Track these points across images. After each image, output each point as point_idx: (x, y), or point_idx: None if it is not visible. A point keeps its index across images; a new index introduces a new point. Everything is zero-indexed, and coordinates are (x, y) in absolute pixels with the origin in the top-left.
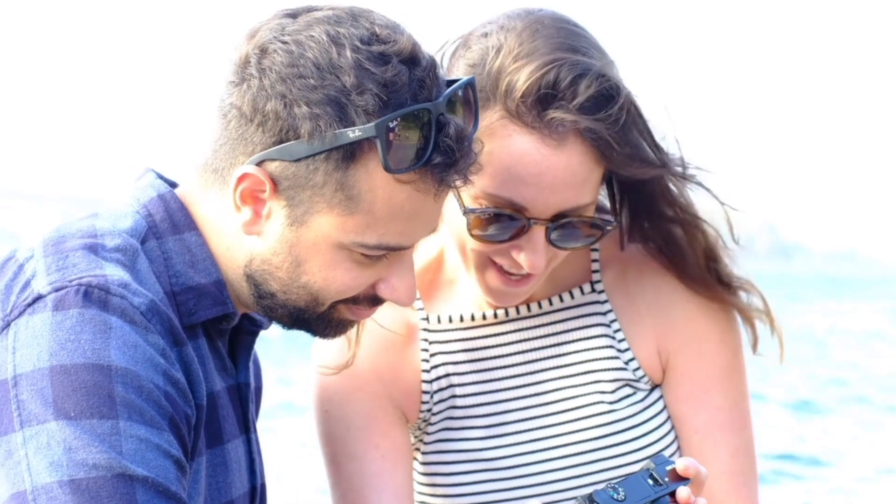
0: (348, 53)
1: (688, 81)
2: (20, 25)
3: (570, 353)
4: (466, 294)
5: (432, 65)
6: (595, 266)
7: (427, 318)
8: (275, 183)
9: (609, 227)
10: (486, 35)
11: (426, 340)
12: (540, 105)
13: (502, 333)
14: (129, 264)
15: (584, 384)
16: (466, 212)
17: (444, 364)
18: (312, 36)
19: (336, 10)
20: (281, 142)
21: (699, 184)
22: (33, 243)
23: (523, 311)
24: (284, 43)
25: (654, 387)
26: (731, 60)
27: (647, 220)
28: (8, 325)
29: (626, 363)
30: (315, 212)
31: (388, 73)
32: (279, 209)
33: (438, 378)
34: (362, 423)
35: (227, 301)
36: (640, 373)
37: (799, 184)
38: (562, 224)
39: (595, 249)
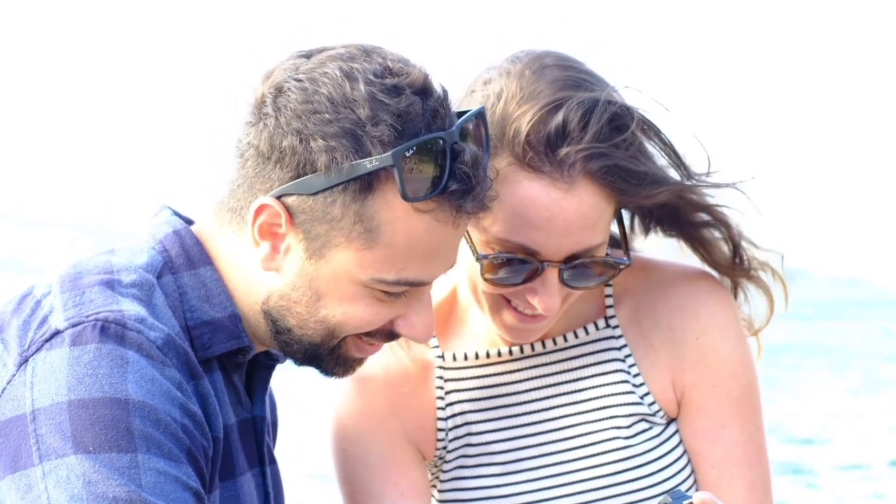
0: (362, 87)
1: (689, 111)
2: (27, 51)
3: (585, 389)
4: (481, 331)
5: (444, 96)
6: (609, 301)
7: (442, 356)
8: (291, 216)
9: (622, 266)
10: (488, 82)
11: (441, 378)
12: (549, 147)
13: (517, 370)
14: (145, 299)
15: (600, 419)
16: (479, 258)
17: (459, 402)
18: (326, 73)
19: (348, 47)
20: (298, 176)
21: (719, 185)
22: (50, 279)
23: (538, 347)
24: (299, 81)
25: (670, 421)
26: (735, 90)
27: (678, 231)
28: (26, 360)
29: (642, 398)
30: (333, 245)
31: (401, 104)
32: (297, 243)
33: (454, 415)
34: (380, 462)
35: (242, 334)
36: (655, 407)
37: (802, 211)
38: (574, 265)
39: (609, 285)
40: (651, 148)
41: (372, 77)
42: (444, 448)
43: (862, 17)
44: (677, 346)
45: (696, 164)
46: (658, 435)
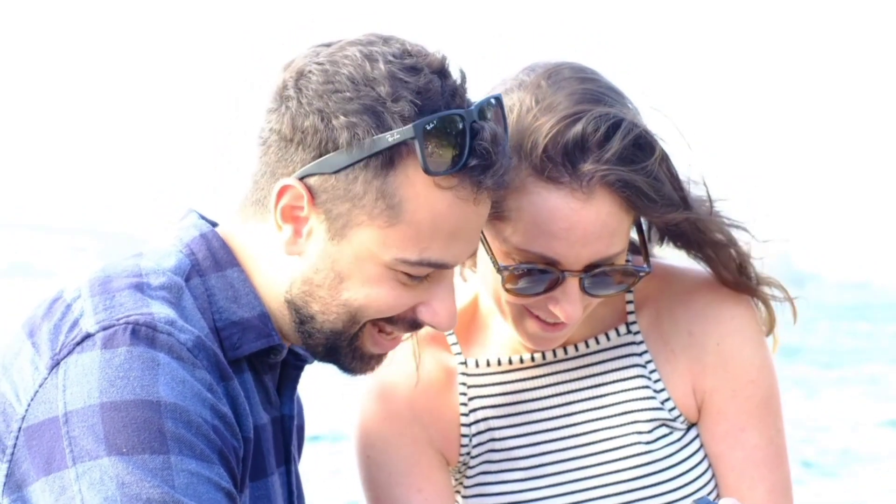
0: (382, 66)
1: (702, 112)
2: (29, 55)
3: (607, 395)
4: (502, 338)
5: (463, 77)
6: (630, 308)
7: (465, 363)
8: (313, 196)
9: (642, 274)
10: (505, 93)
11: (464, 384)
12: (567, 159)
13: (539, 377)
14: (174, 302)
15: (622, 425)
16: (500, 269)
17: (482, 408)
18: (346, 55)
19: (368, 34)
20: (320, 156)
21: (726, 221)
22: (80, 283)
23: (560, 353)
24: (319, 64)
25: (691, 426)
26: (744, 91)
27: (684, 249)
28: (57, 363)
29: (663, 403)
30: (356, 224)
31: (420, 81)
32: (319, 224)
33: (477, 421)
34: (404, 468)
35: (272, 333)
36: (676, 412)
37: (812, 213)
38: (595, 274)
39: (630, 291)
40: (663, 176)
41: (392, 57)
42: (468, 454)
43: (874, 21)
44: (698, 351)
45: (708, 184)
46: (679, 440)
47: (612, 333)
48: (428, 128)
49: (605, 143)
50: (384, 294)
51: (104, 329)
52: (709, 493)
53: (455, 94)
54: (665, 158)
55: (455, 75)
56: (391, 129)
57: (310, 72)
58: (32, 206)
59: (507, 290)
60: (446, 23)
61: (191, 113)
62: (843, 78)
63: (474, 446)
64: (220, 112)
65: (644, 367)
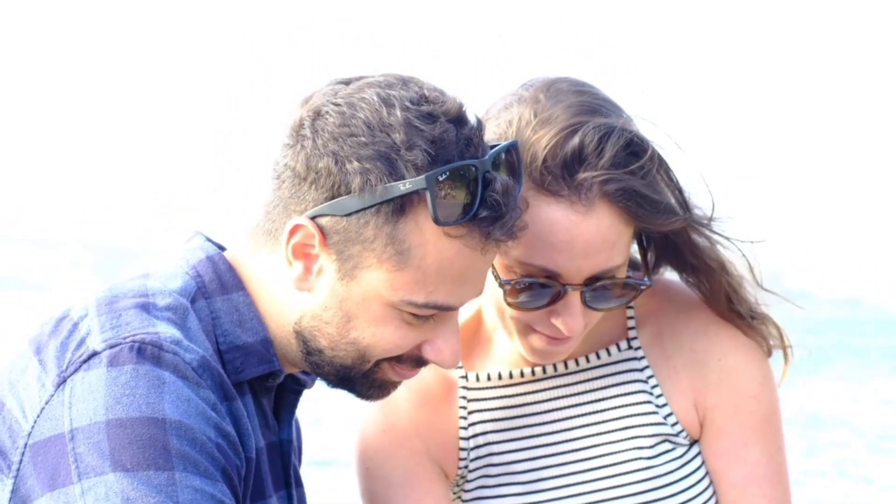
0: (398, 112)
1: (693, 125)
2: (24, 64)
3: (608, 410)
4: (504, 352)
5: (479, 126)
6: (631, 323)
7: (465, 376)
8: (325, 236)
9: (643, 287)
10: (504, 109)
11: (464, 398)
12: (566, 171)
13: (540, 391)
14: (179, 322)
15: (623, 440)
16: (502, 283)
17: (481, 422)
18: (364, 98)
19: (386, 76)
20: (333, 198)
21: (721, 235)
22: (86, 302)
23: (560, 368)
24: (337, 105)
25: (693, 442)
26: (740, 105)
27: (675, 269)
28: (64, 380)
29: (665, 418)
30: (365, 266)
31: (436, 130)
32: (329, 264)
33: (475, 435)
34: (403, 481)
35: (273, 359)
36: (678, 427)
37: (804, 230)
38: (596, 287)
39: (631, 307)
40: (661, 182)
41: (409, 104)
42: (466, 468)
43: (868, 32)
44: (700, 367)
45: (702, 203)
46: (681, 456)
47: (613, 349)
48: (440, 179)
49: (600, 152)
50: (390, 333)
51: (111, 347)
52: None
53: (470, 142)
54: (661, 162)
55: (471, 121)
56: (404, 178)
57: (327, 112)
58: (24, 218)
59: (510, 304)
60: (446, 23)
61: (189, 114)
62: (835, 90)
63: (472, 460)
64: (220, 113)
65: (646, 382)
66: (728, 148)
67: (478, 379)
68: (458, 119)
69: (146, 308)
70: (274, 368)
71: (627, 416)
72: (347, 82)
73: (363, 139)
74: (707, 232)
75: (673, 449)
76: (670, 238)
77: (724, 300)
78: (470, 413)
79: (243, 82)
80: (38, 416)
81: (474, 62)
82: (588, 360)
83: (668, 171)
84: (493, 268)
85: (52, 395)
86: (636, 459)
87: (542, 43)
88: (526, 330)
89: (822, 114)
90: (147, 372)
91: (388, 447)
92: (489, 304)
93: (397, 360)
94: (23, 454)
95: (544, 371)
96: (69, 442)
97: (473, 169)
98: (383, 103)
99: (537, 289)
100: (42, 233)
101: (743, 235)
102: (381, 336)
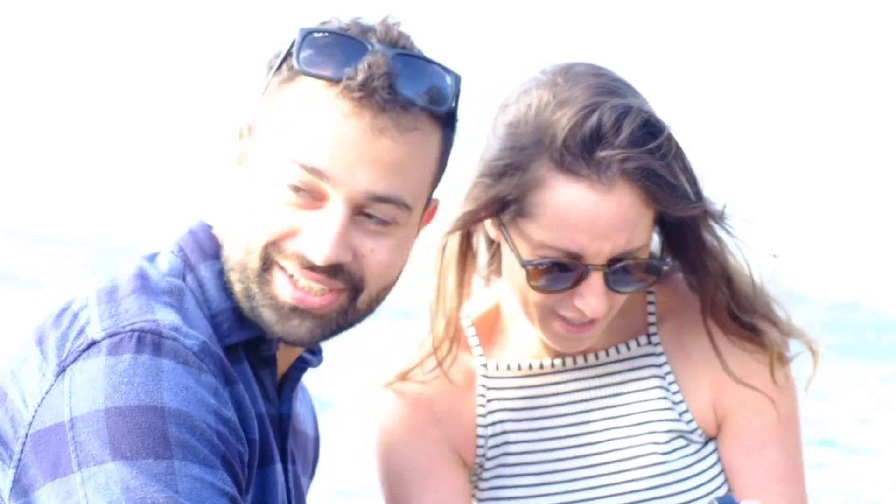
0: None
1: (690, 127)
2: (21, 64)
3: (624, 404)
4: (524, 343)
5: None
6: (651, 318)
7: (486, 365)
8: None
9: (665, 268)
10: (523, 93)
11: (484, 386)
12: (585, 150)
13: (558, 383)
14: (177, 305)
15: (638, 435)
16: (525, 264)
17: (499, 410)
18: None
19: None
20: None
21: (730, 229)
22: (87, 293)
23: (580, 361)
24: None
25: (709, 440)
26: (736, 108)
27: (678, 263)
28: (63, 370)
29: (681, 415)
30: (261, 135)
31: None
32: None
33: (493, 423)
34: (421, 467)
35: (254, 324)
36: (693, 425)
37: (802, 233)
38: (618, 268)
39: (651, 303)
40: (677, 167)
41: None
42: (484, 456)
43: (865, 32)
44: (720, 367)
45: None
46: (695, 452)
47: (633, 343)
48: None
49: (618, 130)
50: (267, 210)
51: (110, 336)
52: (728, 492)
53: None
54: (677, 147)
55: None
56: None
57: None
58: (19, 214)
59: (533, 287)
60: (446, 23)
61: (187, 120)
62: (835, 93)
63: (490, 448)
64: (219, 113)
65: (663, 378)
66: (726, 149)
67: (497, 368)
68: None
69: (144, 292)
70: (256, 333)
71: (644, 412)
72: None
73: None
74: (719, 231)
75: (687, 445)
76: (682, 229)
77: (722, 307)
78: (489, 401)
79: (243, 82)
80: (38, 406)
81: (474, 63)
82: (608, 355)
83: (683, 157)
84: (516, 250)
85: (52, 385)
86: (650, 454)
87: (544, 45)
88: (549, 316)
89: (818, 115)
90: (146, 360)
91: (407, 434)
92: (511, 292)
93: (282, 255)
94: (24, 444)
95: (563, 363)
96: (69, 430)
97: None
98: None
99: (560, 270)
100: (34, 228)
101: (761, 243)
102: (258, 214)
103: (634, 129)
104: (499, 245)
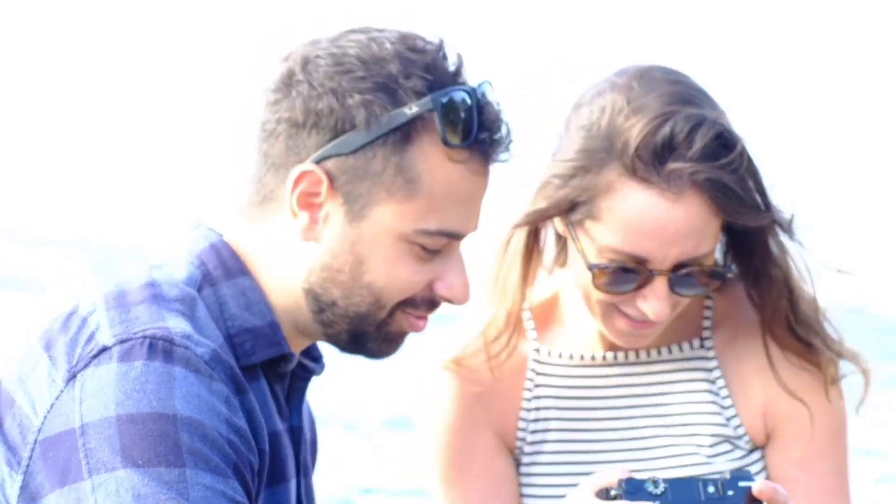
0: (388, 46)
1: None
2: (19, 66)
3: (670, 404)
4: (579, 334)
5: (461, 59)
6: (707, 323)
7: (538, 350)
8: (332, 179)
9: (729, 275)
10: (596, 95)
11: (533, 371)
12: (657, 159)
13: (607, 376)
14: (188, 313)
15: (682, 436)
16: (591, 267)
17: (545, 397)
18: (350, 39)
19: (361, 26)
20: (336, 136)
21: (798, 240)
22: (94, 297)
23: (631, 356)
24: (324, 49)
25: (754, 449)
26: (754, 114)
27: (740, 273)
28: (74, 376)
29: (728, 420)
30: (375, 203)
31: (427, 59)
32: (336, 208)
33: (537, 409)
34: (467, 450)
35: (281, 342)
36: (741, 430)
37: (804, 236)
38: (682, 274)
39: (708, 307)
40: (749, 180)
41: (394, 40)
42: (524, 440)
43: (861, 33)
44: (773, 377)
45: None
46: (740, 458)
47: (686, 345)
48: (443, 101)
49: (691, 142)
50: (403, 271)
51: (121, 342)
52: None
53: (458, 72)
54: (750, 161)
55: (454, 55)
56: (407, 104)
57: (317, 56)
58: (19, 216)
59: (598, 288)
60: (445, 23)
61: (187, 112)
62: (834, 95)
63: (531, 432)
64: (218, 112)
65: (713, 382)
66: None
67: (549, 354)
68: (443, 51)
69: (155, 301)
70: (283, 351)
71: (689, 414)
72: (320, 39)
73: (360, 73)
74: (784, 239)
75: (732, 451)
76: (748, 236)
77: (783, 319)
78: (536, 386)
79: (242, 82)
80: (48, 412)
81: (473, 62)
82: (659, 353)
83: (754, 170)
84: (583, 252)
85: (63, 391)
86: (693, 454)
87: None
88: (611, 313)
89: (821, 118)
90: (158, 367)
91: (453, 416)
92: (573, 285)
93: (411, 304)
94: (32, 450)
95: (615, 357)
96: (80, 437)
97: (471, 93)
98: (371, 41)
99: (625, 273)
100: (35, 231)
101: (826, 258)
102: (395, 275)
103: (707, 142)
104: (566, 240)
